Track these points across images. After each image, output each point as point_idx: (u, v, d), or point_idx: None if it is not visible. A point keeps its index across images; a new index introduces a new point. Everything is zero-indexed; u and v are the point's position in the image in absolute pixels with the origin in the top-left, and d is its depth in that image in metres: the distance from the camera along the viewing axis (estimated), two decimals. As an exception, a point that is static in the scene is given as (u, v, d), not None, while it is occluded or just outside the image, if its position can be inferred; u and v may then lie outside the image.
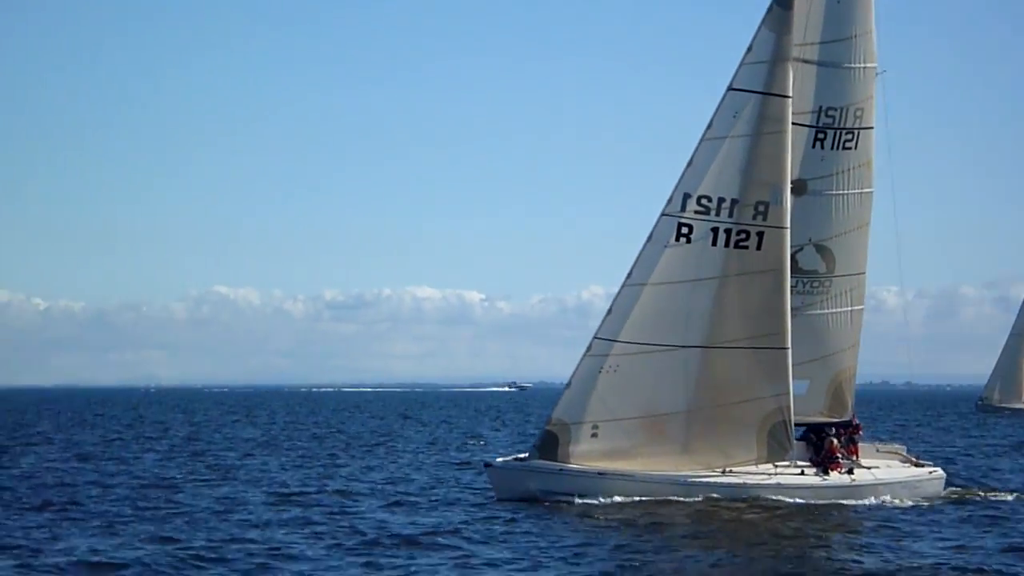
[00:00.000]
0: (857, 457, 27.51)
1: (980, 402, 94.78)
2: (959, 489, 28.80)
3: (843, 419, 27.64)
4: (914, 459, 28.65)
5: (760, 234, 25.51)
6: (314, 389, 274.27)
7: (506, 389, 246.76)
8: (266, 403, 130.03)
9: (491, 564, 19.49)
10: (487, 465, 26.84)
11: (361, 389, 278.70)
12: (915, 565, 19.55)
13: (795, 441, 27.02)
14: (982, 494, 28.49)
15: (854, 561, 20.00)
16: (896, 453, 28.58)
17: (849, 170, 26.72)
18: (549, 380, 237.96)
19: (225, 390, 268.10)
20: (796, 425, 27.13)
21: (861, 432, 28.09)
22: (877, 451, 28.31)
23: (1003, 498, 28.02)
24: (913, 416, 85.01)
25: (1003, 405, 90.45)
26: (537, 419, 63.53)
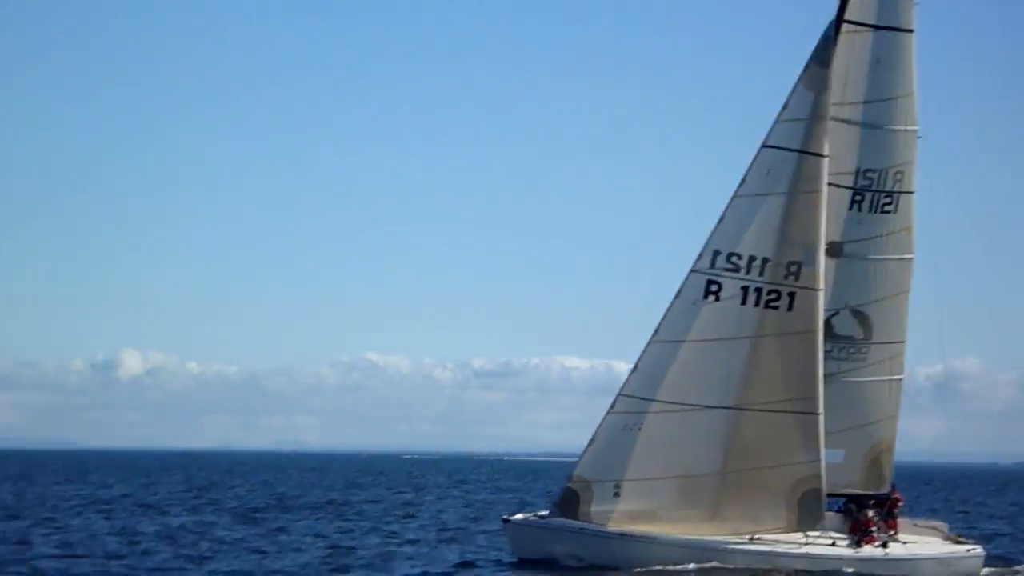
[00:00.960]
0: (896, 531, 26.54)
1: None
2: (1001, 569, 27.51)
3: (881, 491, 26.72)
4: (955, 537, 27.50)
5: (792, 295, 24.94)
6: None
7: None
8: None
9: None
10: (505, 520, 26.26)
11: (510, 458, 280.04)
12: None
13: (830, 512, 26.23)
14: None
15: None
16: (936, 529, 27.44)
17: (888, 235, 26.05)
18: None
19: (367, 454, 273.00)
20: (832, 496, 26.31)
21: (900, 505, 27.03)
22: (915, 526, 27.25)
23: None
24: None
25: None
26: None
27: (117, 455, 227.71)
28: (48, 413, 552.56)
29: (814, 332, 25.06)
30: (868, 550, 25.65)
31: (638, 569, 24.39)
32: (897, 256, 26.22)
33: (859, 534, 25.85)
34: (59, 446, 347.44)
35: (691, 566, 24.49)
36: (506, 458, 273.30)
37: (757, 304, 24.99)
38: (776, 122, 25.17)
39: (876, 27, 25.55)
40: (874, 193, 25.91)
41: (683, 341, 25.00)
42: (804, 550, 25.10)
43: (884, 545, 25.86)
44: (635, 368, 25.28)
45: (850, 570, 25.08)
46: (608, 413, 25.23)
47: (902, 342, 26.57)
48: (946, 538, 27.37)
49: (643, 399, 25.04)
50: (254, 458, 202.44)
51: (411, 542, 31.59)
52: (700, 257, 25.14)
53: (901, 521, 27.01)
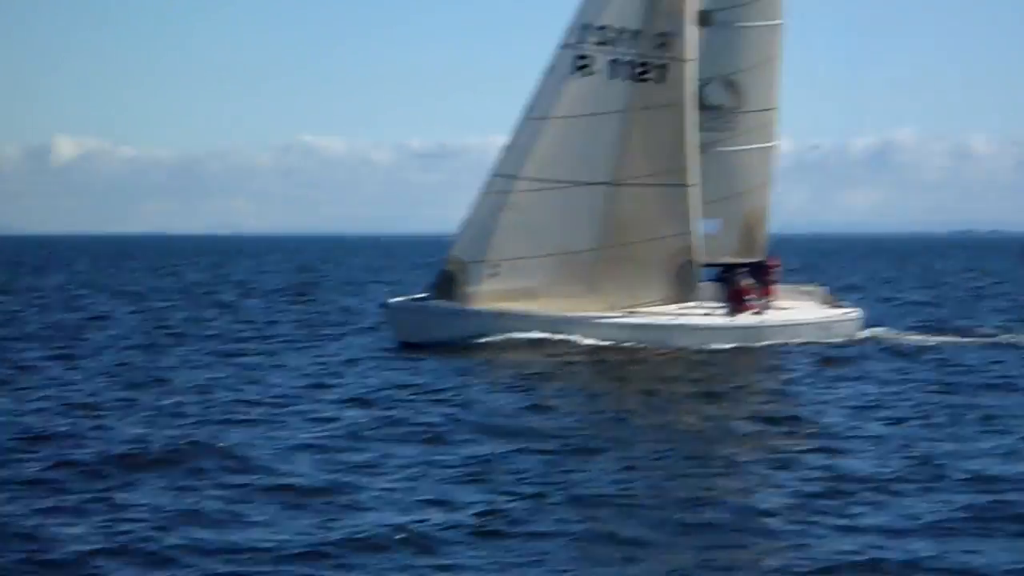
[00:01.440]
0: (772, 296, 27.06)
1: None
2: (878, 330, 28.29)
3: (756, 259, 27.12)
4: (833, 300, 28.16)
5: (663, 66, 24.63)
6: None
7: None
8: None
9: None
10: (384, 305, 26.22)
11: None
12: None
13: (707, 282, 26.64)
14: (896, 335, 28.07)
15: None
16: (814, 294, 28.10)
17: (757, 4, 25.78)
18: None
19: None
20: (710, 266, 26.73)
21: (776, 271, 27.49)
22: (794, 292, 27.83)
23: (919, 340, 27.56)
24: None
25: None
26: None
27: (55, 240, 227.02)
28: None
29: (686, 103, 24.88)
30: (744, 317, 26.19)
31: (517, 346, 24.67)
32: (766, 22, 25.98)
33: (735, 302, 26.38)
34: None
35: (571, 339, 24.80)
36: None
37: (628, 77, 24.69)
38: None
39: None
40: (742, -45, 25.44)
41: (555, 117, 24.68)
42: (679, 320, 25.52)
43: (761, 311, 26.46)
44: (508, 146, 25.02)
45: (727, 338, 25.69)
46: (481, 193, 25.05)
47: (773, 109, 26.60)
48: (824, 302, 28.04)
49: (517, 178, 24.81)
50: (194, 242, 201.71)
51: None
52: (569, 31, 24.64)
53: (781, 287, 27.60)
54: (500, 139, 25.78)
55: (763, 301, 26.57)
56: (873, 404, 18.48)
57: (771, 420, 17.25)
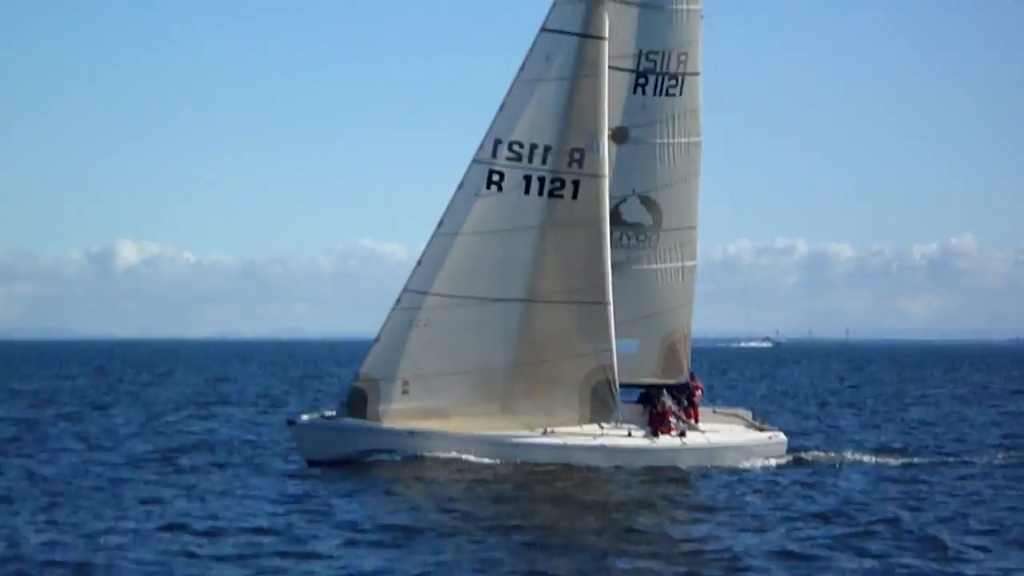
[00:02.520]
0: (696, 420, 26.41)
1: None
2: (803, 454, 27.56)
3: (679, 380, 26.52)
4: (758, 424, 27.48)
5: (576, 183, 24.43)
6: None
7: None
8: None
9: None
10: (290, 423, 25.46)
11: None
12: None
13: (629, 404, 25.99)
14: (823, 456, 27.35)
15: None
16: (739, 417, 27.44)
17: (674, 118, 25.71)
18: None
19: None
20: (631, 387, 26.11)
21: (700, 393, 26.88)
22: (716, 414, 27.20)
23: (843, 459, 26.92)
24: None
25: None
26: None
27: (119, 345, 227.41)
28: (44, 304, 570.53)
29: (600, 220, 24.63)
30: (665, 440, 25.47)
31: (431, 466, 23.90)
32: (684, 140, 25.88)
33: (656, 424, 25.70)
34: (56, 336, 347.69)
35: (485, 461, 24.10)
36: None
37: (541, 193, 24.45)
38: (554, 5, 24.51)
39: (652, -94, 25.05)
40: (658, 75, 25.46)
41: (467, 233, 24.39)
42: (598, 442, 24.81)
43: (682, 434, 25.74)
44: (419, 262, 24.62)
45: (646, 461, 24.97)
46: (393, 309, 24.57)
47: (694, 227, 26.33)
48: (749, 425, 27.37)
49: (428, 294, 24.39)
50: (258, 348, 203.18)
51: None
52: (481, 147, 24.49)
53: (702, 410, 26.92)
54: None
55: (685, 423, 25.97)
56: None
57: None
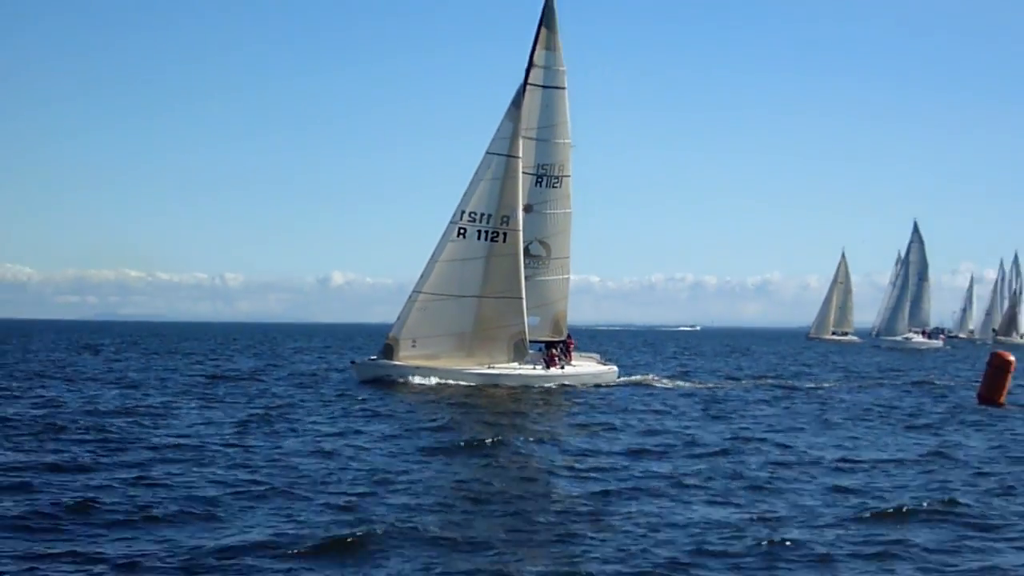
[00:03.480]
0: (570, 359, 48.21)
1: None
2: (628, 378, 49.74)
3: (561, 338, 48.31)
4: (603, 361, 49.54)
5: (505, 233, 45.95)
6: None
7: None
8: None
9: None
10: (352, 363, 46.89)
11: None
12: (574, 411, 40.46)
13: (534, 351, 47.61)
14: (639, 379, 49.60)
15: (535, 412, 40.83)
16: (593, 358, 49.42)
17: (557, 199, 47.51)
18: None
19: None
20: (535, 342, 47.73)
21: (573, 345, 48.74)
22: (581, 356, 49.09)
23: (655, 383, 49.18)
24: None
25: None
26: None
27: None
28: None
29: (518, 255, 46.06)
30: (553, 370, 47.19)
31: (427, 384, 45.13)
32: (563, 211, 47.68)
33: (548, 362, 47.42)
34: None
35: (459, 383, 45.38)
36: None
37: (485, 240, 45.92)
38: (494, 139, 45.82)
39: (544, 87, 46.80)
40: (548, 177, 47.18)
41: (445, 261, 45.70)
42: (517, 372, 46.36)
43: (562, 367, 47.50)
44: (421, 276, 45.94)
45: (542, 382, 46.55)
46: (408, 301, 45.89)
47: (568, 258, 48.04)
48: (599, 362, 49.35)
49: (423, 292, 45.64)
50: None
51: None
52: (454, 214, 45.86)
53: (575, 354, 48.82)
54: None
55: (564, 361, 47.76)
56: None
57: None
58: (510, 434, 27.99)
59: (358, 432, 28.35)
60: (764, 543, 15.82)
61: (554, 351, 47.65)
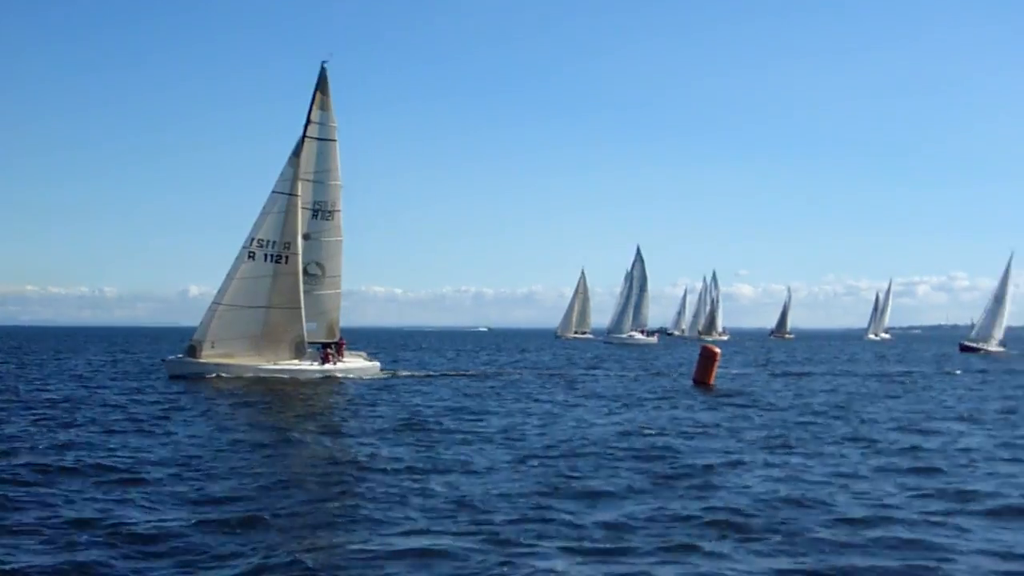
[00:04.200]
0: (343, 356, 59.76)
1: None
2: (388, 372, 61.71)
3: (335, 340, 59.82)
4: (368, 358, 61.39)
5: (287, 257, 57.08)
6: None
7: None
8: None
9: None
10: (163, 360, 57.30)
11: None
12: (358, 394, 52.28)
13: (313, 350, 58.86)
14: (392, 374, 61.61)
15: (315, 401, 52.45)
16: (360, 356, 61.22)
17: (330, 229, 59.11)
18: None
19: None
20: (313, 343, 59.02)
21: (344, 345, 60.31)
22: (352, 354, 60.73)
23: (399, 375, 61.28)
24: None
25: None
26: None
27: None
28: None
29: (298, 274, 57.14)
30: (328, 366, 58.55)
31: (227, 378, 55.78)
32: (335, 238, 59.32)
33: (324, 359, 58.81)
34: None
35: (252, 375, 56.18)
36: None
37: (272, 261, 57.02)
38: (278, 180, 56.93)
39: (319, 139, 58.43)
40: (322, 211, 58.65)
41: (239, 278, 56.43)
42: (298, 367, 57.42)
43: (335, 364, 58.97)
44: (220, 290, 56.69)
45: (318, 375, 57.75)
46: (209, 310, 56.52)
47: (339, 276, 59.65)
48: (365, 359, 61.13)
49: (221, 304, 56.32)
50: None
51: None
52: (246, 240, 56.70)
53: (348, 352, 60.40)
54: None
55: (336, 358, 59.27)
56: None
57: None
58: (290, 425, 34.28)
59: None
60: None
61: (328, 350, 59.09)
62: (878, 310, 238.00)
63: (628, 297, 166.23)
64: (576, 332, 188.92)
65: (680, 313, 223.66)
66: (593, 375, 66.11)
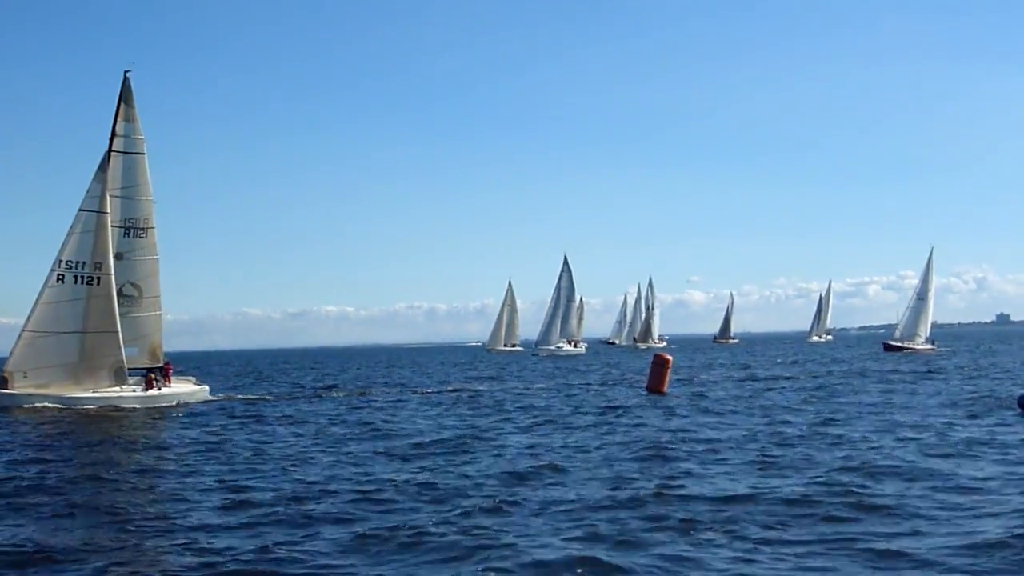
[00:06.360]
0: (169, 382, 56.64)
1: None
2: (221, 396, 58.77)
3: (159, 364, 56.69)
4: (198, 383, 58.36)
5: (99, 278, 53.89)
6: None
7: None
8: None
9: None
10: None
11: None
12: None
13: (136, 376, 55.54)
14: (236, 396, 58.66)
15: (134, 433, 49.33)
16: (190, 380, 58.15)
17: (144, 248, 56.31)
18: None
19: None
20: (134, 369, 55.75)
21: (171, 370, 57.21)
22: (180, 379, 57.63)
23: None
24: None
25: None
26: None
27: None
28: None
29: (112, 295, 54.00)
30: (152, 392, 55.34)
31: (44, 408, 52.08)
32: (151, 257, 56.51)
33: (148, 385, 55.61)
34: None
35: (68, 407, 52.65)
36: None
37: (82, 283, 53.80)
38: (85, 197, 53.97)
39: (125, 152, 55.84)
40: (135, 228, 55.86)
41: (48, 303, 52.91)
42: (119, 394, 54.06)
43: (159, 389, 55.78)
44: (28, 317, 53.21)
45: (143, 403, 54.56)
46: (18, 338, 52.89)
47: (158, 297, 56.74)
48: (194, 384, 58.07)
49: (32, 331, 52.77)
50: None
51: None
52: (54, 263, 53.46)
53: (175, 378, 57.27)
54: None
55: (161, 383, 56.09)
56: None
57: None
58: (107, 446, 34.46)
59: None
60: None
61: (152, 375, 55.92)
62: (821, 311, 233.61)
63: (556, 308, 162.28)
64: (505, 345, 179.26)
65: (620, 322, 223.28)
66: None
